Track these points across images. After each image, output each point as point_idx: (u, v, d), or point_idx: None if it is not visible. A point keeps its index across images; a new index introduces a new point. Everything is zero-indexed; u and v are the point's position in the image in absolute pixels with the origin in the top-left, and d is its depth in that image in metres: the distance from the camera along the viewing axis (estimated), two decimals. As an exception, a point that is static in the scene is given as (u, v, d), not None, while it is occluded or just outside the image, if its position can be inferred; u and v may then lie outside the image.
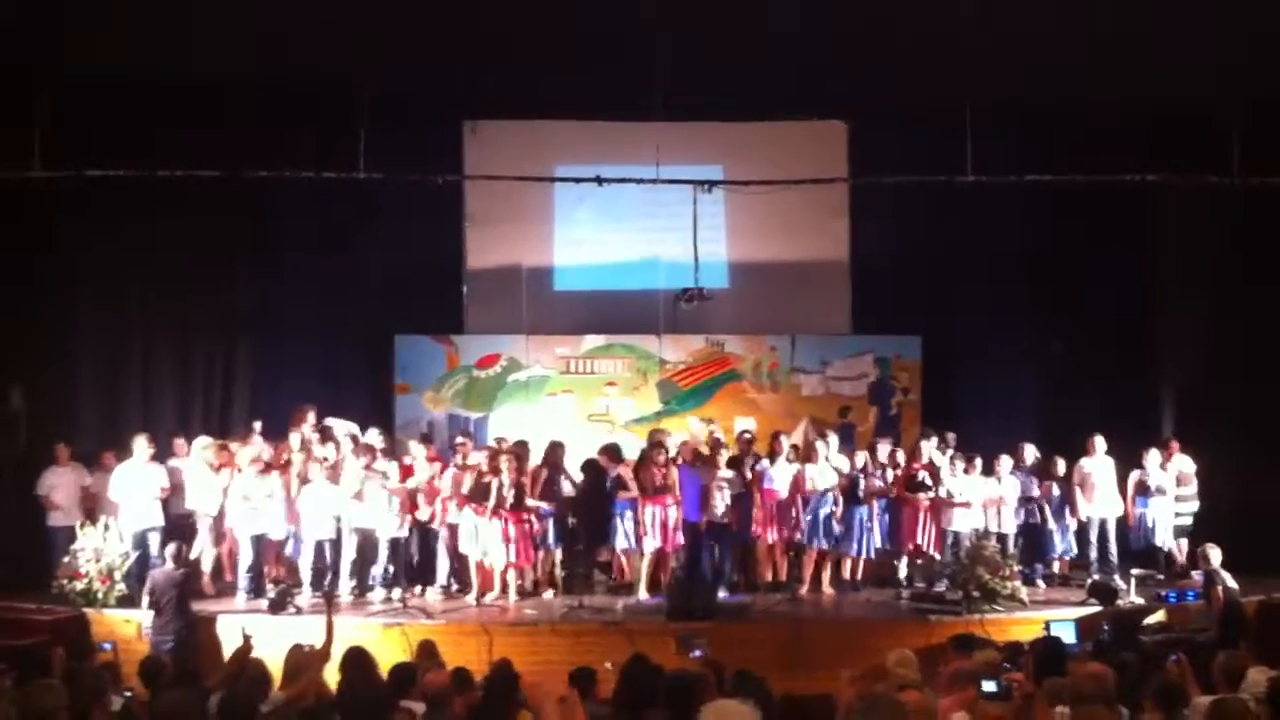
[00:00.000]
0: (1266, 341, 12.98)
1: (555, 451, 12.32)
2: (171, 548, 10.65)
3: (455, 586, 12.03)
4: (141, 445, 11.84)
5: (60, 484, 12.15)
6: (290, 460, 12.15)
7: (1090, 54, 11.64)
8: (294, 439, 12.38)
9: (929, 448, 12.64)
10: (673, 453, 12.28)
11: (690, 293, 12.49)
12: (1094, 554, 12.56)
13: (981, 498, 12.27)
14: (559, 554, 12.25)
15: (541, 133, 14.57)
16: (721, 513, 11.95)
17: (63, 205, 12.20)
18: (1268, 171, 11.63)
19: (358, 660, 7.02)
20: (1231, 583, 10.35)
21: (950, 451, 12.60)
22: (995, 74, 11.64)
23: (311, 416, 12.61)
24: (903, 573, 12.51)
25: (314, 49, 11.77)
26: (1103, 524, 12.62)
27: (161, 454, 12.14)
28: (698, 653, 8.34)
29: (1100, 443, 12.59)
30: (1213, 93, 12.05)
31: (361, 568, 11.88)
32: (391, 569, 11.77)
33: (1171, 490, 12.81)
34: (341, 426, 12.67)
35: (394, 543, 11.81)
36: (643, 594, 11.72)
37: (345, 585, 11.71)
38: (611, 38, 11.46)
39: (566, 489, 12.18)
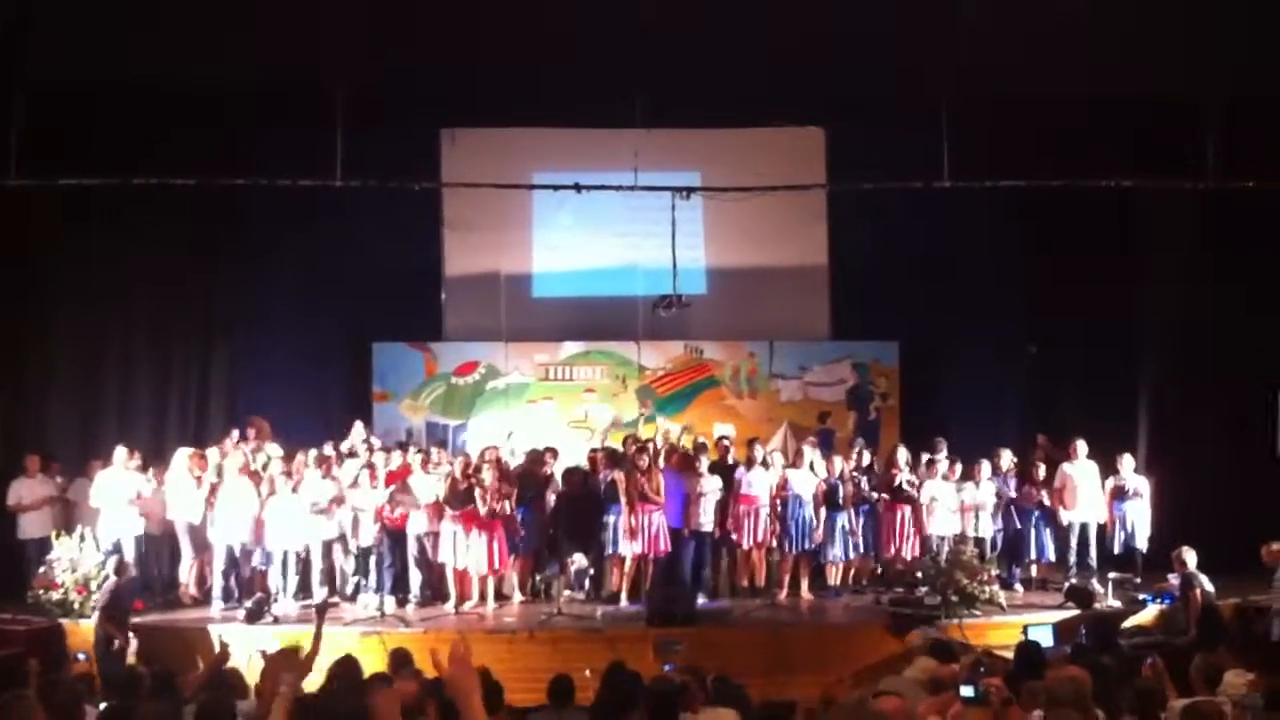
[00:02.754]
0: (1242, 343, 13.06)
1: (536, 458, 12.29)
2: (114, 559, 10.62)
3: (423, 595, 11.83)
4: (121, 454, 11.76)
5: (29, 495, 12.06)
6: (258, 469, 12.07)
7: (1067, 57, 11.70)
8: (253, 450, 12.36)
9: (904, 457, 12.60)
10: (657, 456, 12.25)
11: (668, 300, 12.48)
12: (1074, 558, 12.55)
13: (959, 502, 12.29)
14: (533, 562, 12.21)
15: (520, 139, 14.53)
16: (708, 520, 11.92)
17: (38, 212, 12.12)
18: (1244, 173, 11.71)
19: (348, 670, 6.95)
20: (1208, 585, 10.41)
21: (938, 457, 12.57)
22: (971, 79, 11.69)
23: (252, 432, 12.69)
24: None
25: (291, 55, 11.74)
26: (1084, 528, 12.51)
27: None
28: (669, 666, 8.30)
29: (1082, 447, 12.50)
30: (1190, 93, 12.08)
31: (332, 578, 11.82)
32: (371, 578, 11.72)
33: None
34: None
35: (365, 552, 11.73)
36: (623, 600, 11.69)
37: (317, 595, 11.62)
38: (589, 45, 11.46)
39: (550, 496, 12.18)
